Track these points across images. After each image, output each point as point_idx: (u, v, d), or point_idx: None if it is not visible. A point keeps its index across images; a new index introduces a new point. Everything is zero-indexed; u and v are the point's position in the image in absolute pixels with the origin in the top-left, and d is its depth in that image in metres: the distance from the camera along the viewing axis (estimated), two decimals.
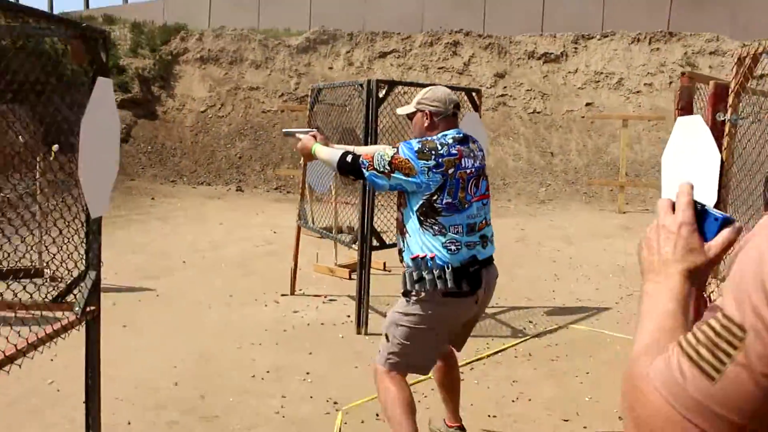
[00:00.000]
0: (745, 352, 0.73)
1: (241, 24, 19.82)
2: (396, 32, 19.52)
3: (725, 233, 1.00)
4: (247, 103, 17.63)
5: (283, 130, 4.28)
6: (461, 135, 3.23)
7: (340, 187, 8.27)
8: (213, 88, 17.90)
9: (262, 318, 6.04)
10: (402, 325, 3.18)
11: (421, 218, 3.10)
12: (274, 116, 17.33)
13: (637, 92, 17.98)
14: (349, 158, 3.21)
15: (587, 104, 17.88)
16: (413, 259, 3.14)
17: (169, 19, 20.64)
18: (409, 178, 3.05)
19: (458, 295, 3.11)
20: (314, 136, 3.57)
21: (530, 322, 6.20)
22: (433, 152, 3.06)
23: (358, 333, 5.61)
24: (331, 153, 3.38)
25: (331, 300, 6.69)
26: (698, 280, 1.00)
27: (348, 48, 19.26)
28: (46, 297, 3.21)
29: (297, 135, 3.70)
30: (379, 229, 5.87)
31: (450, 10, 19.92)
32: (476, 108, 6.20)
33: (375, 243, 5.57)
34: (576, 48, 19.07)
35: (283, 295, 6.78)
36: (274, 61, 18.79)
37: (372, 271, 7.71)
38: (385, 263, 7.82)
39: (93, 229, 3.30)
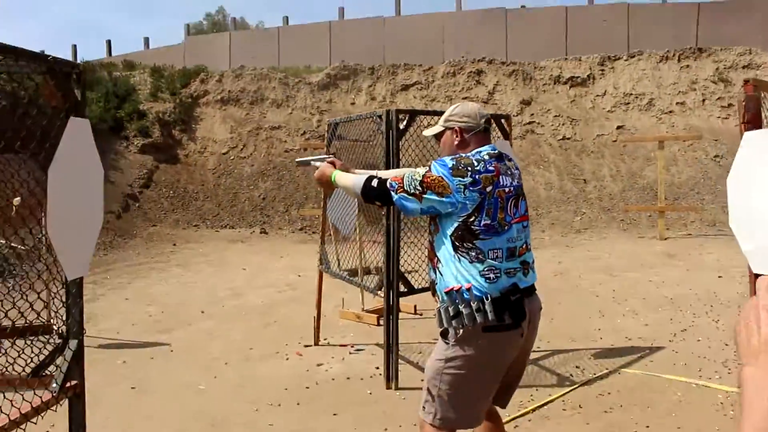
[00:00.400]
0: None
1: (261, 63, 19.65)
2: (417, 64, 19.20)
3: None
4: (269, 143, 17.34)
5: (297, 159, 3.91)
6: (496, 151, 2.95)
7: (365, 225, 7.79)
8: (234, 129, 17.65)
9: (283, 373, 5.54)
10: (446, 374, 2.87)
11: (456, 243, 2.81)
12: (296, 155, 17.01)
13: (670, 112, 17.38)
14: (374, 182, 2.93)
15: (618, 127, 17.32)
16: (448, 293, 2.84)
17: (189, 62, 20.55)
18: (444, 198, 2.78)
19: (501, 329, 2.80)
20: (332, 163, 3.28)
21: (577, 367, 5.62)
22: (469, 168, 2.79)
23: (388, 388, 5.09)
24: (354, 179, 3.08)
25: (358, 350, 6.17)
26: None
27: (369, 82, 18.97)
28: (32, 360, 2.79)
29: (313, 163, 3.42)
30: (408, 269, 5.37)
31: (471, 38, 19.57)
32: (506, 135, 5.71)
33: (402, 288, 5.07)
34: (603, 70, 18.57)
35: (306, 345, 6.29)
36: (295, 100, 18.53)
37: (401, 316, 7.23)
38: (415, 306, 7.30)
39: (73, 292, 2.86)
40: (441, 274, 2.89)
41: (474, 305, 2.76)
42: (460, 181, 2.76)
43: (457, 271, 2.82)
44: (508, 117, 5.75)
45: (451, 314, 2.80)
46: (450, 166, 2.80)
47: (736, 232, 3.20)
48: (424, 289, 5.30)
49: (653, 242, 12.66)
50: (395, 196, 2.85)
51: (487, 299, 2.76)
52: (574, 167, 16.72)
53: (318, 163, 3.31)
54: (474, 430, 3.11)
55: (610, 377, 5.36)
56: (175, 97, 17.97)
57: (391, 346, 5.01)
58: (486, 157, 2.86)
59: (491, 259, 2.79)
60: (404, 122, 4.91)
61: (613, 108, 17.82)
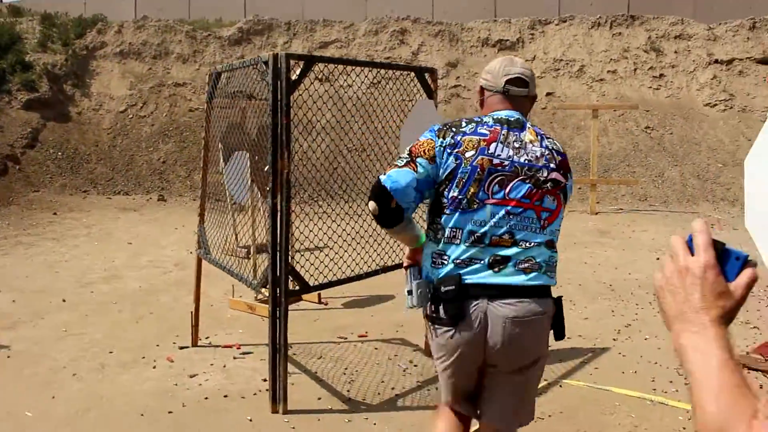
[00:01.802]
0: None
1: (169, 15, 17.94)
2: (337, 20, 17.87)
3: (748, 273, 0.99)
4: (173, 101, 15.78)
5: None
6: (515, 118, 2.47)
7: (257, 193, 6.59)
8: (134, 85, 16.00)
9: (145, 389, 4.35)
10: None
11: (428, 222, 2.49)
12: (202, 115, 15.48)
13: (601, 80, 16.65)
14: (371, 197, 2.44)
15: (548, 94, 16.49)
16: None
17: (88, 11, 18.59)
18: (432, 166, 2.40)
19: (440, 323, 2.42)
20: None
21: None
22: (454, 129, 2.43)
23: (274, 411, 3.97)
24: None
25: (245, 353, 5.03)
26: (729, 323, 0.98)
27: (285, 39, 17.54)
28: None
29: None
30: (309, 247, 4.24)
31: None
32: (430, 93, 4.61)
33: (293, 286, 3.94)
34: (533, 34, 17.68)
35: (182, 347, 5.10)
36: (203, 55, 16.97)
37: (303, 306, 6.12)
38: (320, 294, 6.19)
39: None
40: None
41: (423, 287, 2.45)
42: (441, 142, 2.41)
43: (426, 249, 2.50)
44: (433, 71, 4.65)
45: (406, 290, 2.51)
46: (437, 128, 2.47)
47: (753, 226, 2.94)
48: (326, 285, 4.19)
49: (584, 217, 11.87)
50: (384, 177, 2.37)
51: (431, 283, 2.43)
52: None
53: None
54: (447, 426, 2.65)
55: (549, 392, 4.39)
56: (68, 48, 16.14)
57: (277, 361, 3.89)
58: (487, 120, 2.44)
59: (447, 239, 2.39)
60: (298, 71, 3.74)
61: (542, 74, 16.96)
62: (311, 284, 4.08)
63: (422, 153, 2.40)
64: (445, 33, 17.59)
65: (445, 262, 2.40)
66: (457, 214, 2.38)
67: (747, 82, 16.16)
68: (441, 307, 2.38)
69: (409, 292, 2.49)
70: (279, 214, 3.74)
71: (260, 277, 3.95)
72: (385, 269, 4.47)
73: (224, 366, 4.75)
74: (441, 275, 2.40)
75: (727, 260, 1.00)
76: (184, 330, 5.28)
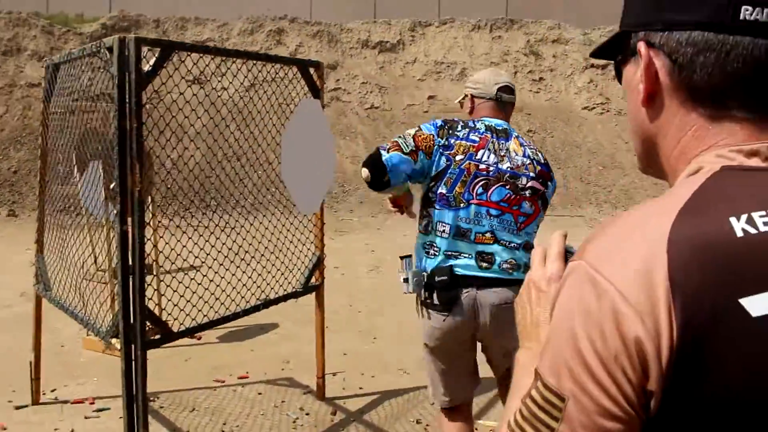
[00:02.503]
0: (568, 422, 0.70)
1: (23, 7, 16.31)
2: (211, 18, 16.83)
3: None
4: (26, 103, 14.26)
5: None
6: (502, 128, 2.73)
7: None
8: None
9: None
10: (423, 345, 2.82)
11: (421, 209, 2.73)
12: (60, 119, 14.10)
13: None
14: (373, 150, 2.67)
15: (429, 97, 16.15)
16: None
17: None
18: (428, 161, 2.63)
19: (431, 307, 2.69)
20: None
21: (418, 422, 4.01)
22: (450, 131, 2.67)
23: None
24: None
25: (100, 410, 4.14)
26: None
27: (153, 36, 16.32)
28: None
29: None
30: (176, 266, 3.44)
31: None
32: (315, 91, 3.92)
33: (154, 335, 3.13)
34: (413, 36, 17.31)
35: (19, 407, 4.16)
36: (60, 53, 15.49)
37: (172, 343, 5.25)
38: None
39: None
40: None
41: (418, 276, 2.67)
42: (439, 141, 2.64)
43: (418, 240, 2.76)
44: (318, 65, 3.97)
45: (402, 278, 2.71)
46: (439, 125, 2.68)
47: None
48: (196, 328, 3.41)
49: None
50: (386, 156, 2.58)
51: (424, 272, 2.68)
52: (384, 139, 15.28)
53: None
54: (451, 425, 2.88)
55: None
56: None
57: (135, 425, 3.07)
58: (480, 126, 2.69)
59: (437, 232, 2.66)
60: (151, 61, 2.95)
61: (423, 76, 16.62)
62: (179, 326, 3.28)
63: (424, 147, 2.60)
64: (324, 33, 16.93)
65: (437, 253, 2.66)
66: (445, 210, 2.64)
67: (619, 86, 16.40)
68: (435, 294, 2.64)
69: (405, 280, 2.70)
70: (131, 243, 2.94)
71: (108, 325, 3.11)
72: (268, 303, 3.74)
73: (72, 430, 3.85)
74: (434, 266, 2.66)
75: None
76: (23, 383, 4.31)
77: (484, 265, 2.64)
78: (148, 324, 2.99)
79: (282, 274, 3.87)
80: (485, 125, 2.70)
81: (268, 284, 3.75)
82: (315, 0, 17.96)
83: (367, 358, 5.07)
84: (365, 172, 2.62)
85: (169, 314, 3.54)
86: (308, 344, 5.07)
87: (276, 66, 3.80)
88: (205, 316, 3.42)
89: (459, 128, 2.66)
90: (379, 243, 9.78)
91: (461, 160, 2.61)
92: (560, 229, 1.03)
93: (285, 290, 3.87)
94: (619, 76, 0.94)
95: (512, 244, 2.68)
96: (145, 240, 3.10)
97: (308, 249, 4.08)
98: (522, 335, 1.00)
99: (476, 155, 2.62)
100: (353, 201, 13.19)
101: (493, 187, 2.64)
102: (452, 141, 2.62)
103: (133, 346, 2.96)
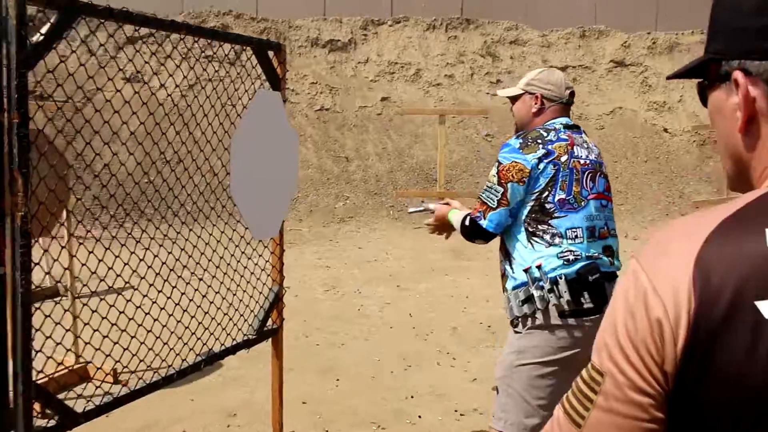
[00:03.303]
0: (604, 395, 0.81)
1: None
2: (150, 13, 15.68)
3: None
4: None
5: (409, 210, 3.49)
6: (571, 123, 2.78)
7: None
8: None
9: None
10: (518, 368, 2.58)
11: (530, 229, 2.60)
12: None
13: (438, 84, 15.73)
14: (467, 221, 2.72)
15: (383, 99, 15.33)
16: (519, 279, 2.62)
17: None
18: (522, 186, 2.58)
19: (579, 314, 2.53)
20: (448, 204, 3.04)
21: None
22: (539, 140, 2.62)
23: None
24: (457, 222, 2.83)
25: None
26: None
27: (85, 32, 15.13)
28: None
29: (429, 207, 3.15)
30: (105, 288, 2.49)
31: None
32: (275, 80, 3.06)
33: (47, 422, 2.21)
34: (365, 35, 16.47)
35: None
36: None
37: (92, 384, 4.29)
38: (115, 370, 4.40)
39: None
40: (512, 268, 2.65)
41: (547, 286, 2.53)
42: (533, 155, 2.57)
43: (529, 256, 2.58)
44: (279, 47, 3.10)
45: (522, 298, 2.58)
46: (518, 146, 2.63)
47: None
48: (110, 405, 2.48)
49: (434, 236, 10.71)
50: (486, 224, 2.63)
51: (561, 279, 2.52)
52: (335, 143, 14.44)
53: (432, 206, 3.10)
54: None
55: None
56: None
57: None
58: (559, 126, 2.70)
59: (570, 239, 2.56)
60: (44, 28, 2.03)
61: (376, 77, 15.80)
62: (83, 407, 2.39)
63: (513, 178, 2.57)
64: (272, 31, 15.95)
65: (579, 257, 2.55)
66: (570, 214, 2.58)
67: (581, 90, 15.84)
68: (586, 294, 2.53)
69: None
70: (10, 291, 2.01)
71: None
72: (212, 358, 2.83)
73: None
74: (582, 267, 2.54)
75: None
76: None
77: (611, 260, 2.66)
78: (36, 408, 2.07)
79: (231, 319, 2.96)
80: (563, 124, 2.72)
81: (211, 334, 2.83)
82: None
83: (331, 408, 4.20)
84: (480, 242, 2.73)
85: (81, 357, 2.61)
86: (260, 389, 4.19)
87: (223, 58, 2.92)
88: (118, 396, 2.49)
89: (544, 134, 2.64)
90: (334, 256, 8.90)
91: (567, 161, 2.60)
92: None
93: (233, 338, 2.97)
94: (703, 98, 0.98)
95: (615, 232, 2.76)
96: (56, 260, 2.17)
97: (262, 282, 3.18)
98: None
99: (574, 152, 2.65)
100: (302, 209, 12.26)
101: (597, 179, 2.70)
102: (549, 147, 2.58)
103: None
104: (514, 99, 2.87)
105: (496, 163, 2.66)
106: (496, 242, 2.75)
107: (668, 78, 1.10)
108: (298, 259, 8.42)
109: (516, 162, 2.57)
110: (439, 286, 7.34)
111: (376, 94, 15.52)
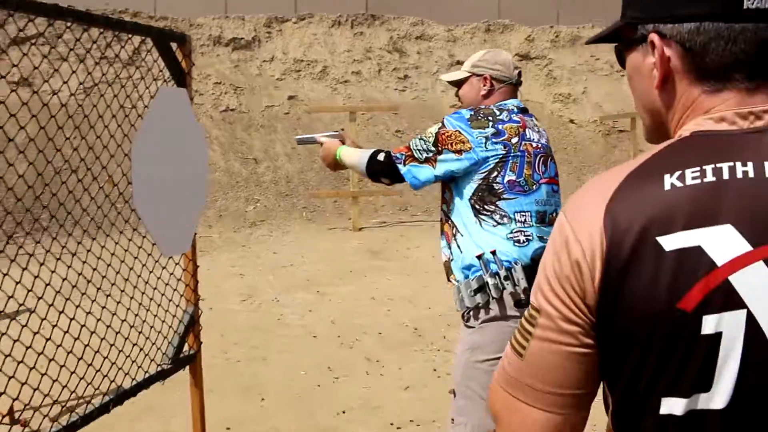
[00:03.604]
0: (541, 327, 0.93)
1: None
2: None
3: None
4: None
5: (296, 137, 3.27)
6: (522, 106, 2.70)
7: None
8: None
9: None
10: (475, 366, 2.42)
11: (477, 206, 2.51)
12: None
13: (345, 81, 15.48)
14: (381, 156, 2.64)
15: (290, 97, 14.97)
16: (467, 265, 2.49)
17: None
18: (462, 156, 2.48)
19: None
20: (342, 141, 2.91)
21: None
22: (491, 118, 2.53)
23: None
24: (360, 154, 2.73)
25: None
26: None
27: None
28: None
29: (319, 139, 2.99)
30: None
31: None
32: (180, 75, 2.73)
33: None
34: (270, 33, 16.04)
35: None
36: None
37: None
38: (12, 408, 3.92)
39: None
40: (459, 248, 2.53)
41: (502, 273, 2.42)
42: (480, 132, 2.50)
43: (479, 238, 2.49)
44: (183, 39, 2.78)
45: (474, 287, 2.45)
46: (468, 117, 2.53)
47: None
48: None
49: (347, 235, 10.47)
50: (404, 169, 2.56)
51: (516, 264, 2.44)
52: (242, 144, 13.97)
53: (324, 139, 2.94)
54: None
55: None
56: None
57: None
58: (512, 107, 2.63)
59: (519, 222, 2.49)
60: None
61: (282, 75, 15.41)
62: None
63: (450, 145, 2.48)
64: (172, 30, 15.32)
65: (530, 239, 2.49)
66: (519, 197, 2.49)
67: None
68: None
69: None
70: None
71: None
72: (121, 397, 2.49)
73: None
74: (534, 251, 2.48)
75: None
76: None
77: None
78: None
79: (142, 349, 2.61)
80: (515, 106, 2.64)
81: (120, 368, 2.47)
82: None
83: (256, 430, 3.88)
84: (386, 181, 2.64)
85: None
86: (178, 415, 3.83)
87: (115, 59, 2.57)
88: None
89: (497, 112, 2.54)
90: (248, 263, 8.51)
91: (518, 142, 2.52)
92: None
93: (145, 370, 2.62)
94: (621, 60, 1.08)
95: None
96: None
97: (175, 304, 2.83)
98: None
99: (526, 135, 2.57)
100: (212, 215, 11.76)
101: (549, 163, 2.64)
102: (500, 126, 2.50)
103: None
104: (459, 83, 2.75)
105: (440, 124, 2.56)
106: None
107: (587, 43, 1.19)
108: (211, 268, 7.98)
109: (460, 132, 2.49)
110: (359, 289, 7.09)
111: (282, 93, 15.16)
